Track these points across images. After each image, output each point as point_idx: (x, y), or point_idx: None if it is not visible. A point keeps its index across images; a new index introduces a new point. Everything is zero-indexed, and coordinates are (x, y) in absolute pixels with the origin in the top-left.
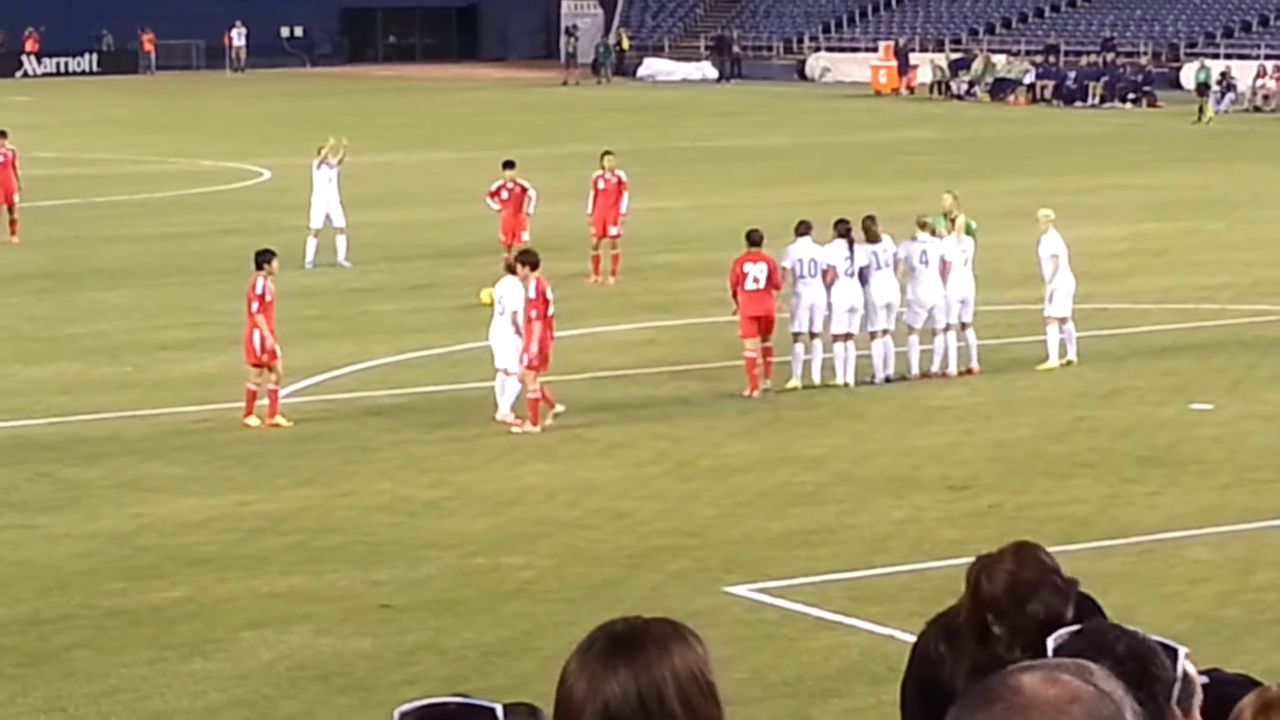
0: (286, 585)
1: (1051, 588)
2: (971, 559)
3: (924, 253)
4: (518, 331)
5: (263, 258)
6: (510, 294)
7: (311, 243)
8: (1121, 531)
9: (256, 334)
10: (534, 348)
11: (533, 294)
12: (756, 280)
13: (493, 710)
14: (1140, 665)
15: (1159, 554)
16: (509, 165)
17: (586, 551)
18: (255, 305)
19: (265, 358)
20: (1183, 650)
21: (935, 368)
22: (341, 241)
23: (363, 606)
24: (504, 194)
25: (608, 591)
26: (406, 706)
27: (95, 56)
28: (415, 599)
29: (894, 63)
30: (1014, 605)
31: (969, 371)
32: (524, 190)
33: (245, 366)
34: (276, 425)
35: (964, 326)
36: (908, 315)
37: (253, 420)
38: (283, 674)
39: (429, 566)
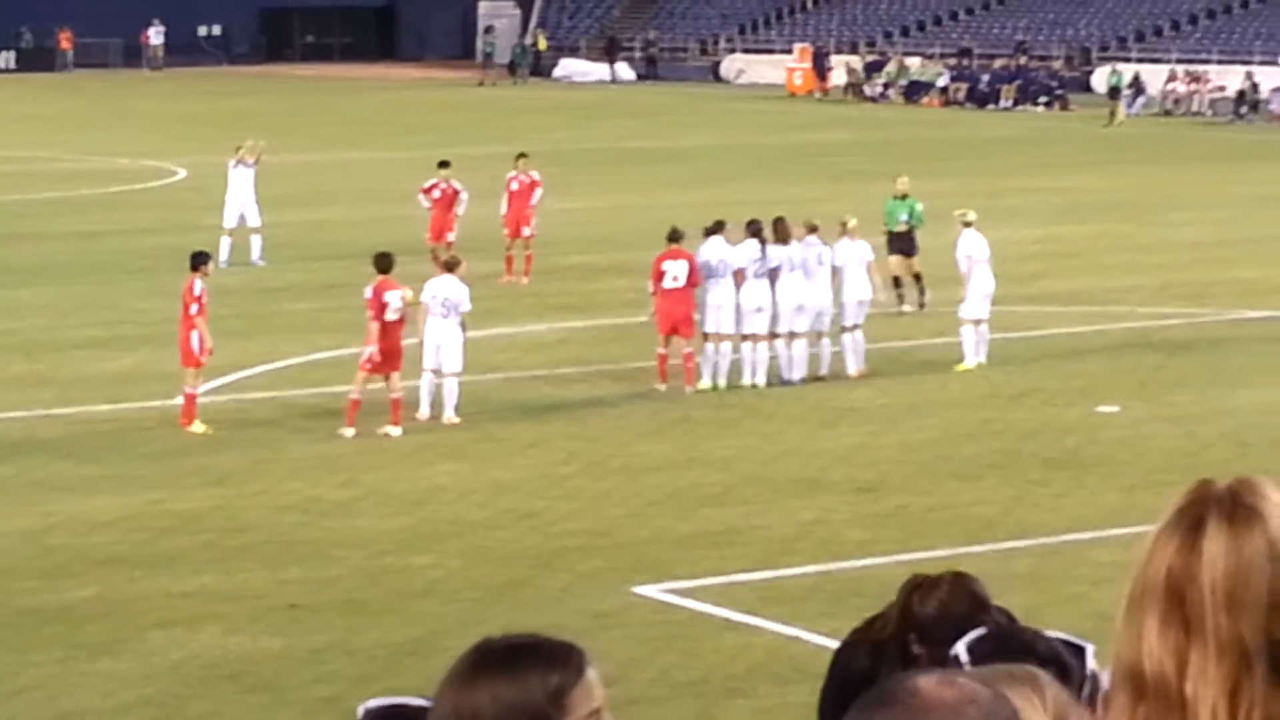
0: (197, 584)
1: (980, 625)
2: (879, 560)
3: (819, 256)
4: (464, 330)
5: (199, 259)
6: (454, 293)
7: (225, 242)
8: (1027, 533)
9: (195, 335)
10: (371, 349)
11: (370, 295)
12: (676, 278)
13: None
14: (1061, 665)
15: (1064, 555)
16: (444, 165)
17: (495, 551)
18: (194, 308)
19: (204, 359)
20: (1090, 648)
21: (824, 370)
22: (256, 241)
23: (272, 606)
24: (436, 193)
25: (516, 591)
26: (371, 703)
27: (13, 54)
28: (325, 599)
29: (808, 65)
30: (939, 635)
31: (861, 375)
32: (456, 192)
33: (178, 369)
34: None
35: (855, 328)
36: (821, 319)
37: (198, 426)
38: (193, 673)
39: (339, 566)
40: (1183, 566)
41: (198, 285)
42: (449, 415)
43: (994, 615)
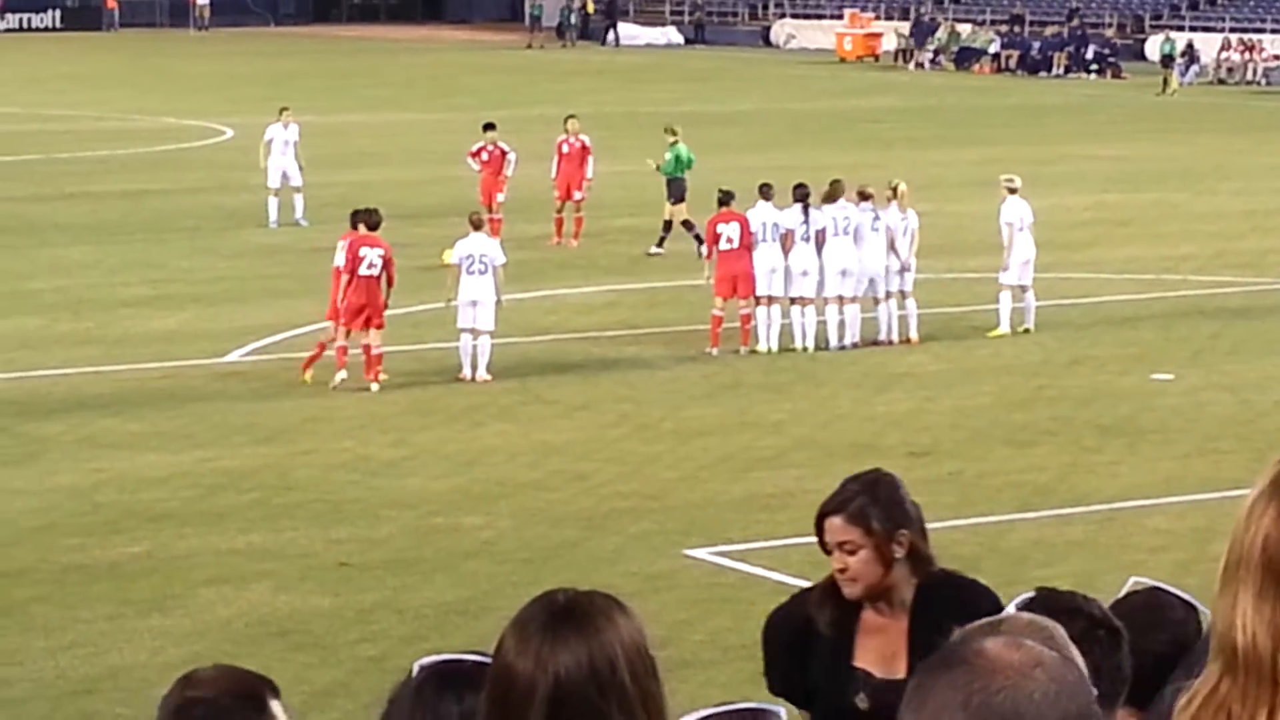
0: (245, 542)
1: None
2: (932, 525)
3: (873, 222)
4: (498, 290)
5: (362, 217)
6: (487, 249)
7: (273, 202)
8: (1081, 500)
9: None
10: (342, 303)
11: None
12: (730, 240)
13: None
14: (1111, 628)
15: (1119, 523)
16: (490, 127)
17: (546, 513)
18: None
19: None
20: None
21: (882, 336)
22: (299, 200)
23: (322, 564)
24: (484, 155)
25: (567, 553)
26: (426, 660)
27: (58, 13)
28: (374, 558)
29: (860, 30)
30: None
31: (907, 341)
32: (504, 153)
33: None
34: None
35: (904, 295)
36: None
37: (342, 374)
38: (240, 631)
39: (389, 525)
40: (1279, 538)
41: (351, 245)
42: (482, 374)
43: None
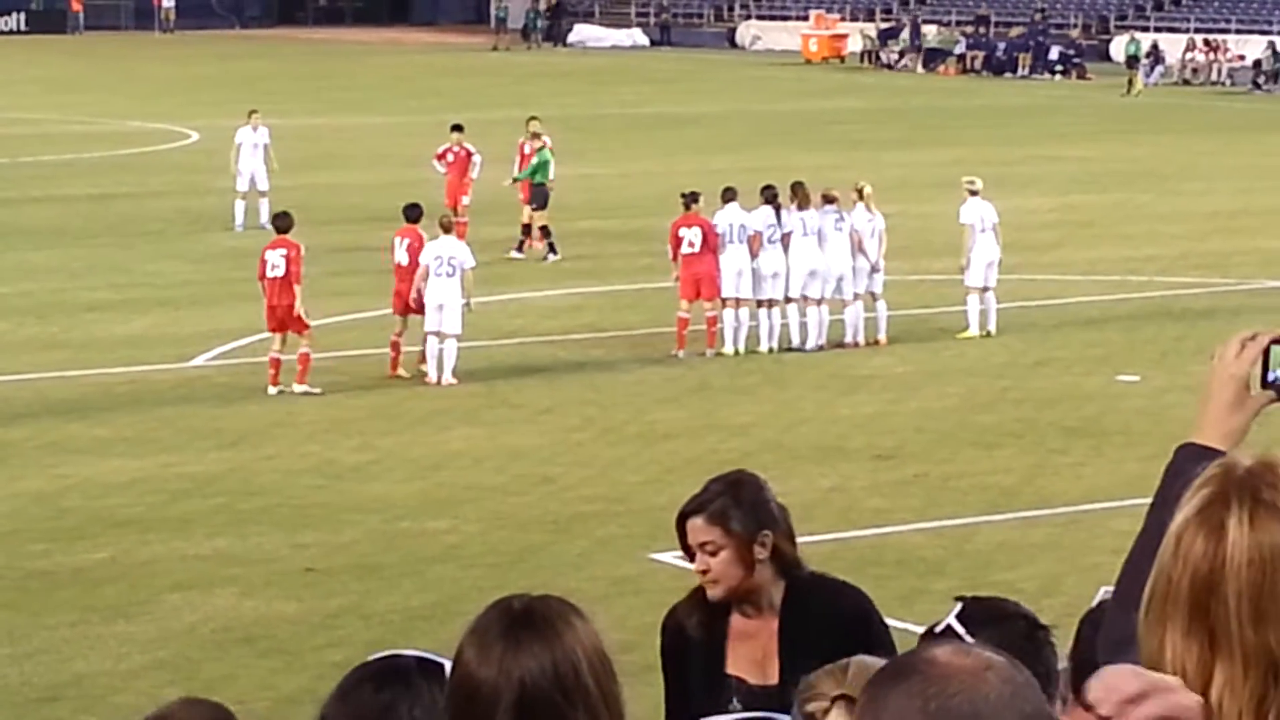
0: (211, 548)
1: None
2: (897, 528)
3: (836, 222)
4: (466, 293)
5: (415, 212)
6: (457, 252)
7: (239, 205)
8: (1046, 502)
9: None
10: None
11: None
12: (692, 244)
13: (441, 665)
14: (1044, 627)
15: (1084, 525)
16: (457, 129)
17: (512, 517)
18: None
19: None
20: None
21: (848, 338)
22: (265, 204)
23: (287, 570)
24: (449, 157)
25: (533, 557)
26: (370, 658)
27: (23, 16)
28: (340, 562)
29: (825, 32)
30: None
31: (875, 343)
32: (469, 155)
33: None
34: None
35: (874, 297)
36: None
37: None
38: (206, 636)
39: (354, 530)
40: (1206, 574)
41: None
42: (447, 378)
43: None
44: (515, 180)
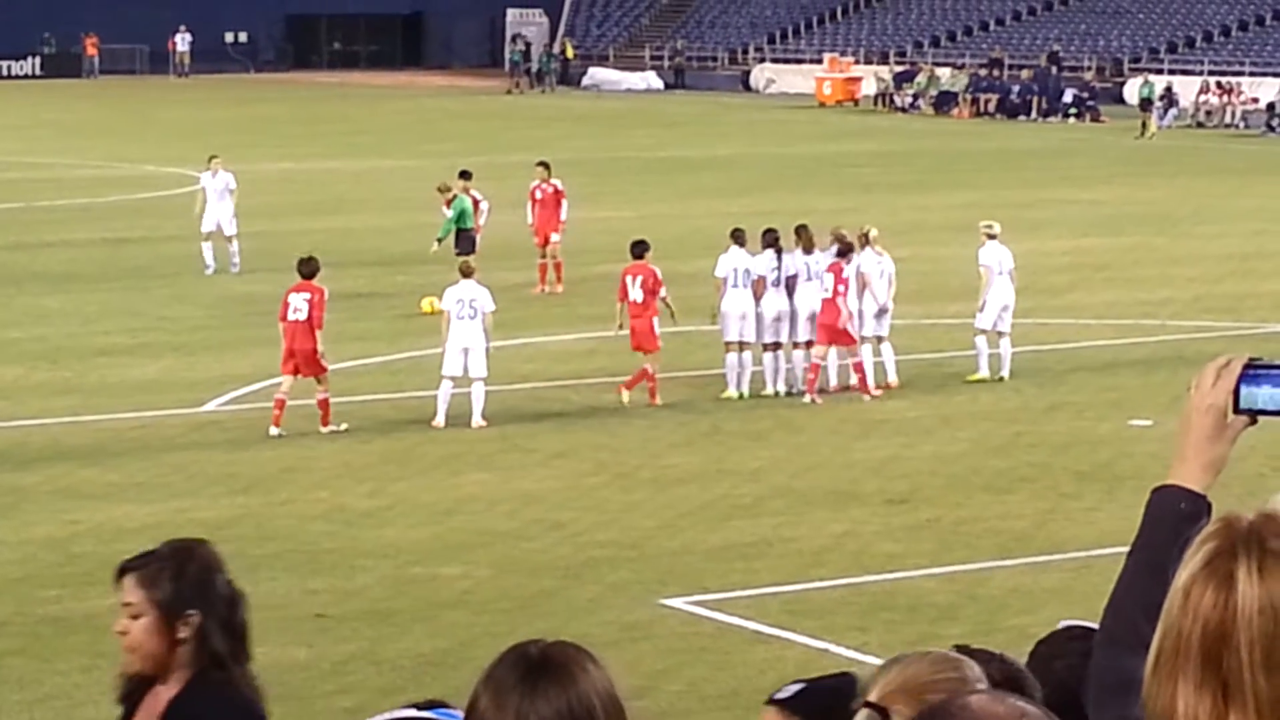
0: None
1: None
2: (909, 573)
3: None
4: (487, 336)
5: (642, 247)
6: (477, 295)
7: (206, 247)
8: (1059, 547)
9: (655, 321)
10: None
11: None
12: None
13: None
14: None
15: (1097, 570)
16: (464, 175)
17: (524, 562)
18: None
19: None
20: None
21: (854, 381)
22: (234, 249)
23: (299, 615)
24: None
25: (545, 602)
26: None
27: (38, 60)
28: (351, 608)
29: (839, 75)
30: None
31: (886, 387)
32: (476, 202)
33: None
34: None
35: (880, 340)
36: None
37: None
38: None
39: (366, 576)
40: (1217, 625)
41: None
42: (477, 420)
43: None
44: (439, 239)
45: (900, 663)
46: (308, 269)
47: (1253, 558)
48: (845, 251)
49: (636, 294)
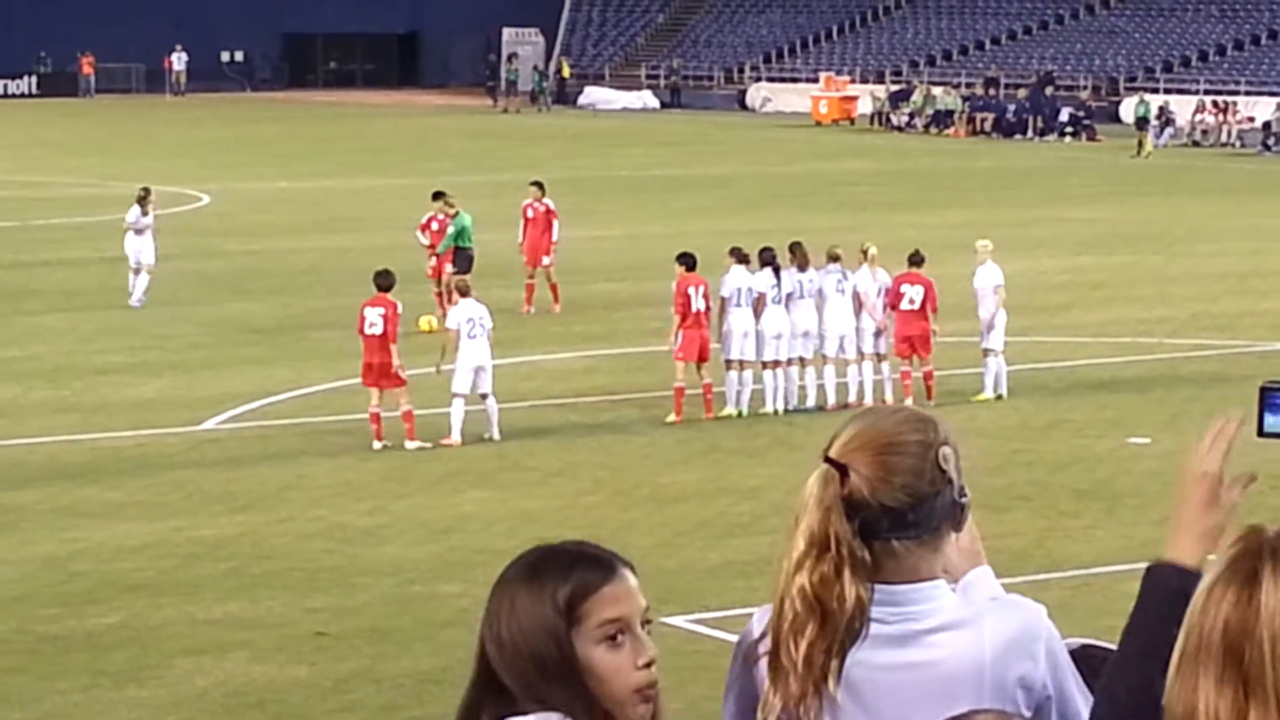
0: (222, 612)
1: None
2: None
3: (838, 283)
4: (491, 352)
5: (689, 259)
6: (481, 314)
7: (132, 277)
8: (1058, 565)
9: (694, 334)
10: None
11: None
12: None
13: None
14: None
15: (1095, 587)
16: (438, 196)
17: None
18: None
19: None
20: None
21: (852, 398)
22: (144, 280)
23: (298, 634)
24: (434, 225)
25: None
26: None
27: (34, 79)
28: (351, 626)
29: (835, 94)
30: None
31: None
32: (443, 223)
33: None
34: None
35: (880, 358)
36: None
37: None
38: (217, 701)
39: (365, 594)
40: (1239, 621)
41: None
42: (494, 434)
43: None
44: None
45: (867, 416)
46: (384, 282)
47: (1277, 559)
48: (918, 261)
49: (700, 303)
